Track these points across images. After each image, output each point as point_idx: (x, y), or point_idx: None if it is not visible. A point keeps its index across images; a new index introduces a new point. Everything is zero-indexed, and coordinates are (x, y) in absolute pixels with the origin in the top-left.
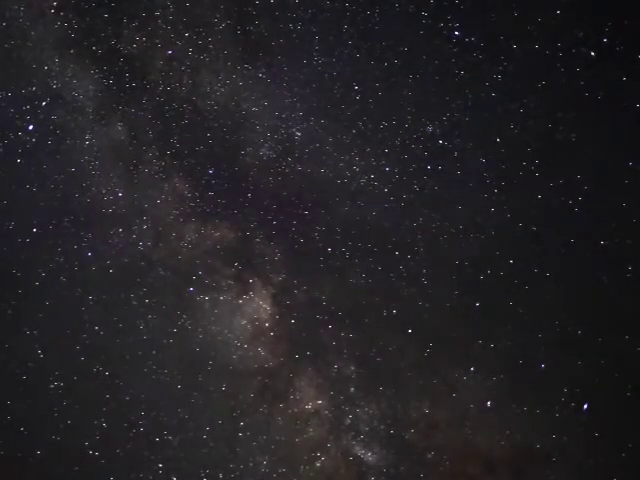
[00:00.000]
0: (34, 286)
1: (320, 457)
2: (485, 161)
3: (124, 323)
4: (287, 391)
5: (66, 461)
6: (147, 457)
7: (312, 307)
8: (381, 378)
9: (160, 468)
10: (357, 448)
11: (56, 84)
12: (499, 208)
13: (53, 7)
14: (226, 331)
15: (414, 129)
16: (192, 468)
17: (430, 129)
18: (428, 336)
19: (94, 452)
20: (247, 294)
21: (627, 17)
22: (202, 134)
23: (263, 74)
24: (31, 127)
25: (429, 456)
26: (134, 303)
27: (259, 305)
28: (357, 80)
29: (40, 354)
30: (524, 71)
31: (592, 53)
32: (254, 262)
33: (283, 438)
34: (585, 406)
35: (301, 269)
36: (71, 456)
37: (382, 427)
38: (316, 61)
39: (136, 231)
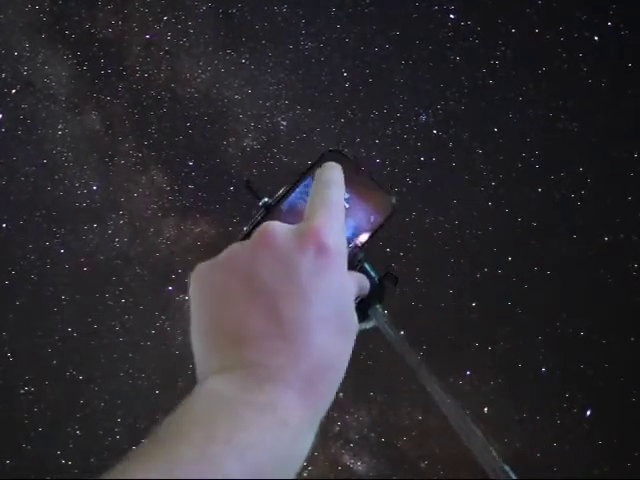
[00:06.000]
0: (3, 285)
1: (307, 466)
2: (482, 152)
3: (99, 324)
4: None
5: (37, 471)
6: None
7: None
8: (372, 383)
9: None
10: (346, 457)
11: (27, 71)
12: (497, 202)
13: None
14: None
15: (406, 118)
16: None
17: (424, 118)
18: (421, 338)
19: (67, 462)
20: None
21: (633, 0)
22: (182, 124)
23: (246, 60)
24: (0, 116)
25: (422, 465)
26: (109, 303)
27: None
28: (346, 66)
29: (9, 357)
30: (523, 57)
31: (595, 38)
32: None
33: None
34: (588, 412)
35: None
36: (42, 466)
37: (373, 435)
38: (303, 46)
39: (111, 226)
